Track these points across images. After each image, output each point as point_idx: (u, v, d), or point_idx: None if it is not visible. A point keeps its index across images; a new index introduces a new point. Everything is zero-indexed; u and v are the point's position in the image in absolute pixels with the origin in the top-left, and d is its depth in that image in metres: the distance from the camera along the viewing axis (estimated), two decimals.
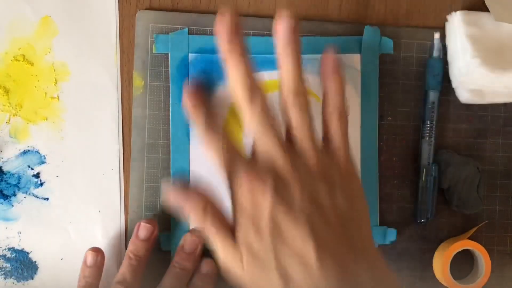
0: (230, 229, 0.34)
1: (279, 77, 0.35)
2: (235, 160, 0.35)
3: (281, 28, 0.34)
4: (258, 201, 0.33)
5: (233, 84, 0.34)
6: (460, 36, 0.43)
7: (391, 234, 0.44)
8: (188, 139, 0.42)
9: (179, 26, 0.42)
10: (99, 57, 0.42)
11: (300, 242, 0.32)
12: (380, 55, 0.44)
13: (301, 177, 0.33)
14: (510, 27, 0.43)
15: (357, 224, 0.34)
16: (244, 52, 0.34)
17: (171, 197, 0.35)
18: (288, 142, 0.35)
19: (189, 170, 0.42)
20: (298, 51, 0.34)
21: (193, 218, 0.34)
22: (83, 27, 0.42)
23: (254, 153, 0.35)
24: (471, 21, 0.43)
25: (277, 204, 0.32)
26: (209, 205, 0.34)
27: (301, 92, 0.34)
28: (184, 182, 0.35)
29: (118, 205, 0.42)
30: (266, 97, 0.35)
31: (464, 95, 0.43)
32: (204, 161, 0.42)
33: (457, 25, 0.43)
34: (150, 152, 0.42)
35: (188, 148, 0.42)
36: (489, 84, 0.42)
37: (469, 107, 0.45)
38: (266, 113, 0.34)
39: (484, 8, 0.43)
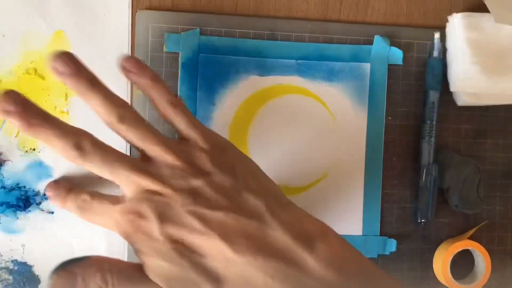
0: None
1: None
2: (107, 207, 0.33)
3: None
4: (144, 230, 0.32)
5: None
6: (460, 40, 0.42)
7: (391, 245, 0.44)
8: None
9: (179, 26, 0.42)
10: (110, 74, 0.41)
11: (209, 246, 0.31)
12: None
13: (169, 182, 0.32)
14: (511, 29, 0.42)
15: (249, 185, 0.33)
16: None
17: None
18: (144, 163, 0.33)
19: None
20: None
21: None
22: (95, 43, 0.42)
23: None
24: (472, 24, 0.42)
25: (164, 224, 0.31)
26: None
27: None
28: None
29: None
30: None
31: (461, 98, 0.43)
32: None
33: (457, 28, 0.43)
34: None
35: None
36: (486, 89, 0.42)
37: (469, 107, 0.45)
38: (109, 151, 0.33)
39: (485, 8, 0.43)
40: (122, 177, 0.32)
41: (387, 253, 0.44)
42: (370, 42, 0.44)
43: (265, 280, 0.31)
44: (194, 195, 0.32)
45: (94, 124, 0.42)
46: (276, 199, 0.33)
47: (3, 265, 0.41)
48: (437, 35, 0.44)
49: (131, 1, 0.42)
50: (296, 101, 0.43)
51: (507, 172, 0.45)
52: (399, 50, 0.44)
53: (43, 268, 0.42)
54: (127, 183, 0.32)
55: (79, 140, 0.32)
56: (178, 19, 0.42)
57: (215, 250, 0.31)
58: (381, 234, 0.44)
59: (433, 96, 0.44)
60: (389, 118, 0.44)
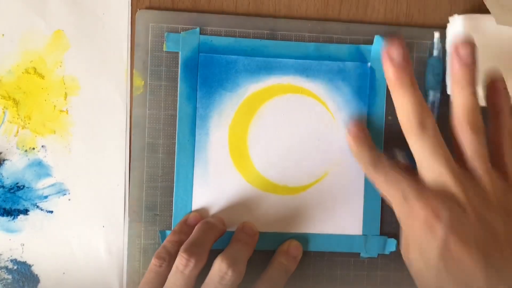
0: None
1: (451, 102, 0.37)
2: (402, 180, 0.37)
3: (457, 61, 0.36)
4: (431, 228, 0.34)
5: (404, 113, 0.36)
6: None
7: (391, 245, 0.44)
8: (194, 138, 0.42)
9: (179, 26, 0.42)
10: (110, 73, 0.42)
11: (471, 268, 0.33)
12: None
13: (476, 204, 0.34)
14: (511, 32, 0.42)
15: None
16: (414, 81, 0.36)
17: None
18: (460, 169, 0.36)
19: (193, 169, 0.42)
20: (472, 80, 0.36)
21: None
22: (95, 42, 0.42)
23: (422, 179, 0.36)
24: (473, 27, 0.42)
25: (451, 233, 0.33)
26: None
27: (477, 120, 0.36)
28: None
29: (122, 221, 0.42)
30: (436, 126, 0.36)
31: None
32: (208, 161, 0.42)
33: (458, 31, 0.42)
34: (150, 151, 0.42)
35: (194, 147, 0.42)
36: (480, 93, 0.42)
37: None
38: (438, 141, 0.36)
39: (486, 8, 0.43)
40: (440, 167, 0.35)
41: (387, 253, 0.44)
42: (370, 42, 0.44)
43: None
44: (491, 234, 0.34)
45: (93, 124, 0.42)
46: None
47: (2, 264, 0.41)
48: (437, 35, 0.44)
49: (130, 0, 0.42)
50: (296, 101, 0.43)
51: None
52: None
53: (42, 267, 0.42)
54: (435, 175, 0.35)
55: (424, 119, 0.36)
56: (178, 18, 0.42)
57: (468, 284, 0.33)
58: (381, 233, 0.44)
59: (433, 96, 0.44)
60: (389, 118, 0.44)
